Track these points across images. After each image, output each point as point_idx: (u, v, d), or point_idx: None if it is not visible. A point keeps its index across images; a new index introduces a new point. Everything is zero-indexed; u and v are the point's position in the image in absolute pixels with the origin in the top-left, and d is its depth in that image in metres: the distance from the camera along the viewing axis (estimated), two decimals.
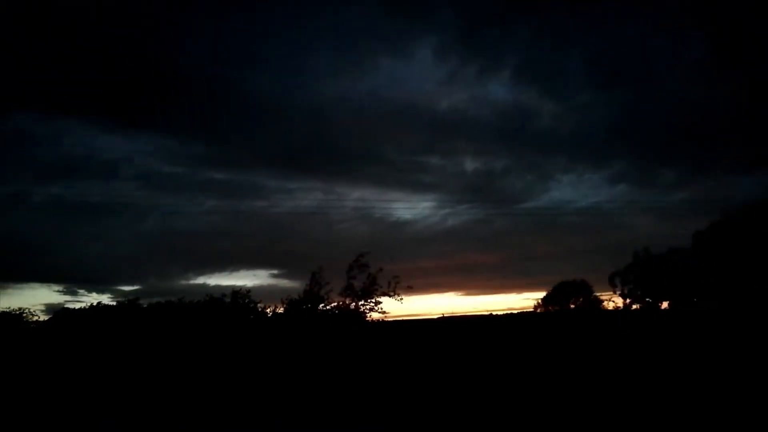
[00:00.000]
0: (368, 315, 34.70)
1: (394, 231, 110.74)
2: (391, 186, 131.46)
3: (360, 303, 34.15)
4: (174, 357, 27.33)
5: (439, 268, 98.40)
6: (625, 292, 47.81)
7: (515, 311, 67.30)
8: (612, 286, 49.65)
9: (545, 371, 17.48)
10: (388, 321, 36.35)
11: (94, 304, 43.16)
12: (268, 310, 38.37)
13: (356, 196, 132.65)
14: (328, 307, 34.37)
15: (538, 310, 63.50)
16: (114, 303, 43.68)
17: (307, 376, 19.26)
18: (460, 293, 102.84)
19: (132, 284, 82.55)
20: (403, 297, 33.64)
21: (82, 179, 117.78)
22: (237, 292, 38.01)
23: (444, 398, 13.57)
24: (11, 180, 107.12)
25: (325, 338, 30.66)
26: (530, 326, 45.14)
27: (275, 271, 78.09)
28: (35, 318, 43.17)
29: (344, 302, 34.03)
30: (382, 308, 34.15)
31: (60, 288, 62.82)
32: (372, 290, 33.31)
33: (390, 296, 33.58)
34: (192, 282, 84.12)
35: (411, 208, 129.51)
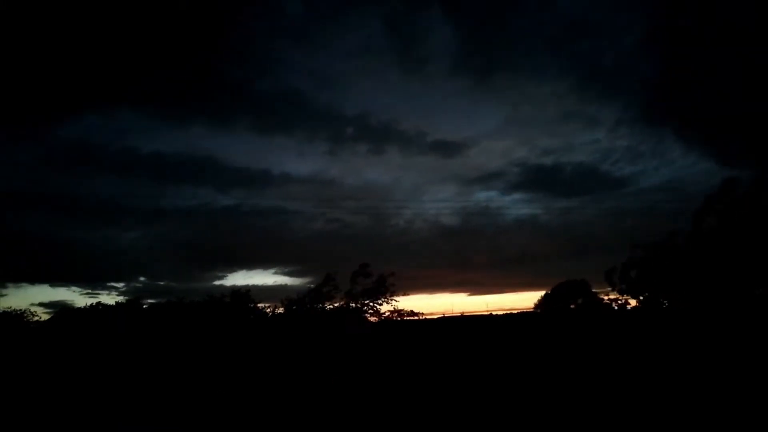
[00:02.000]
0: (370, 316, 35.17)
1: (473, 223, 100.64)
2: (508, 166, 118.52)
3: (362, 304, 34.64)
4: (172, 356, 27.35)
5: (484, 264, 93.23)
6: (623, 288, 45.61)
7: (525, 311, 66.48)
8: (609, 284, 47.40)
9: (545, 371, 17.47)
10: (388, 321, 36.58)
11: (94, 304, 43.32)
12: (268, 310, 38.55)
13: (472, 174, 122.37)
14: (329, 307, 34.79)
15: (539, 310, 63.44)
16: (114, 302, 43.84)
17: (306, 375, 19.27)
18: (468, 293, 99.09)
19: (157, 280, 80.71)
20: (397, 299, 34.45)
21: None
22: (236, 292, 38.24)
23: (444, 398, 13.57)
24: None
25: (325, 338, 30.72)
26: (530, 326, 45.06)
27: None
28: (36, 318, 43.35)
29: (347, 303, 34.59)
30: (385, 310, 34.85)
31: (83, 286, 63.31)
32: (377, 295, 34.21)
33: (387, 298, 34.31)
34: (228, 277, 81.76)
35: (504, 194, 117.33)
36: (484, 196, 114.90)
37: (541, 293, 63.29)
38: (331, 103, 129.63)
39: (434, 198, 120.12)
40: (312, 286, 35.58)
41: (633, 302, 47.15)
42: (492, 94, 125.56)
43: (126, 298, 46.36)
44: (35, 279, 66.21)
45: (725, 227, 34.80)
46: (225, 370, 22.06)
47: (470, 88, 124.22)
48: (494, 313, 67.79)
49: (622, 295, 46.45)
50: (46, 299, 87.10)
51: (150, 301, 44.00)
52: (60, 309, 44.91)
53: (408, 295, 36.23)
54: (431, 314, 61.76)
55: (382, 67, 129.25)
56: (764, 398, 11.33)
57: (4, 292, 63.58)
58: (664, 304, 40.68)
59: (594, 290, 56.92)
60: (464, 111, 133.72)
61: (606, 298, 51.69)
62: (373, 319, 35.52)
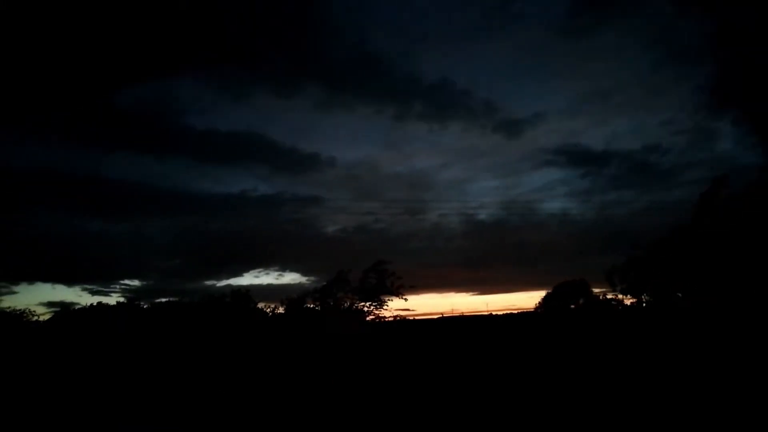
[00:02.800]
0: (374, 314, 35.04)
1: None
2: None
3: (367, 304, 34.53)
4: (172, 356, 27.29)
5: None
6: (623, 288, 44.92)
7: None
8: (610, 285, 46.85)
9: (545, 371, 17.43)
10: (390, 321, 36.52)
11: (94, 304, 43.23)
12: (268, 310, 38.55)
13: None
14: (333, 304, 34.73)
15: (540, 311, 63.30)
16: (114, 303, 43.79)
17: (307, 374, 19.22)
18: (474, 292, 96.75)
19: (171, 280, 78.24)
20: (407, 297, 34.18)
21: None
22: (236, 292, 38.27)
23: (444, 398, 13.53)
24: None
25: (325, 338, 30.67)
26: (530, 326, 45.02)
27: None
28: (35, 318, 43.23)
29: (353, 302, 34.48)
30: (388, 307, 34.59)
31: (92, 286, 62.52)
32: (383, 293, 33.90)
33: (397, 296, 34.14)
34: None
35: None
36: (528, 187, 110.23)
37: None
38: (409, 71, 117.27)
39: (474, 189, 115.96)
40: (318, 285, 35.44)
41: (629, 301, 46.94)
42: (574, 65, 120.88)
43: (126, 297, 46.17)
44: (52, 278, 65.27)
45: (721, 225, 34.65)
46: (224, 370, 22.01)
47: (555, 56, 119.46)
48: (494, 313, 67.76)
49: (624, 296, 46.23)
50: (57, 298, 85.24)
51: (164, 299, 43.61)
52: (60, 309, 44.85)
53: (412, 294, 35.87)
54: (439, 313, 61.70)
55: (473, 26, 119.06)
56: (765, 398, 11.29)
57: (16, 289, 63.28)
58: (664, 302, 40.56)
59: (594, 290, 56.89)
60: (542, 81, 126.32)
61: (610, 297, 51.36)
62: (373, 318, 35.42)
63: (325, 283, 35.03)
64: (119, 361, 26.35)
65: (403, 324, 37.13)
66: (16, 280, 61.62)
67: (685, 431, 9.66)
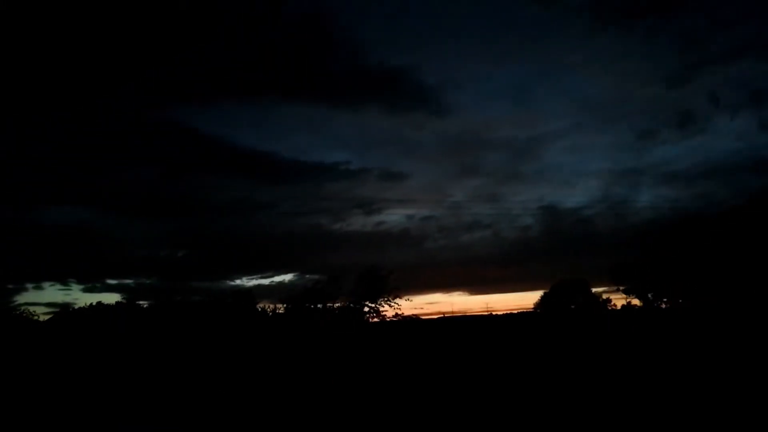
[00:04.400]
0: (372, 317, 35.12)
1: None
2: None
3: (364, 306, 34.57)
4: (172, 356, 27.29)
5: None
6: (628, 287, 44.58)
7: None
8: (614, 282, 46.42)
9: (545, 371, 17.45)
10: (389, 321, 36.59)
11: (94, 304, 43.18)
12: (268, 310, 38.59)
13: None
14: (334, 305, 34.75)
15: (538, 310, 63.22)
16: (113, 303, 43.74)
17: (306, 374, 19.25)
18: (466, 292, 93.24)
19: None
20: (399, 303, 34.28)
21: None
22: (237, 292, 38.34)
23: (444, 397, 13.55)
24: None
25: (326, 338, 30.69)
26: (530, 326, 45.05)
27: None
28: (34, 317, 43.14)
29: (349, 304, 34.52)
30: (385, 310, 34.64)
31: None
32: (379, 297, 34.00)
33: (389, 304, 34.25)
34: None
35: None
36: (646, 162, 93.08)
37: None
38: None
39: (581, 162, 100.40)
40: (312, 284, 35.43)
41: (636, 302, 46.85)
42: None
43: (126, 297, 45.90)
44: (74, 276, 64.02)
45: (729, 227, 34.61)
46: (224, 370, 22.02)
47: None
48: (494, 312, 67.69)
49: (628, 295, 46.11)
50: (75, 297, 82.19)
51: (164, 300, 43.01)
52: (60, 309, 44.78)
53: (411, 296, 35.92)
54: (444, 313, 61.40)
55: None
56: (765, 398, 11.32)
57: (44, 285, 62.74)
58: (667, 303, 40.57)
59: (594, 289, 56.86)
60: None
61: (611, 297, 51.24)
62: (375, 320, 35.47)
63: (318, 284, 35.13)
64: (119, 362, 26.35)
65: (402, 324, 37.16)
66: (40, 279, 61.14)
67: (685, 431, 9.69)
